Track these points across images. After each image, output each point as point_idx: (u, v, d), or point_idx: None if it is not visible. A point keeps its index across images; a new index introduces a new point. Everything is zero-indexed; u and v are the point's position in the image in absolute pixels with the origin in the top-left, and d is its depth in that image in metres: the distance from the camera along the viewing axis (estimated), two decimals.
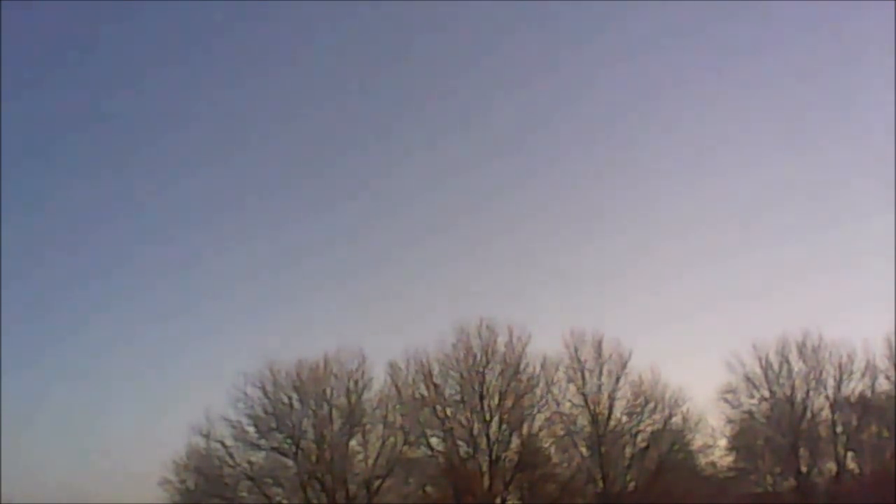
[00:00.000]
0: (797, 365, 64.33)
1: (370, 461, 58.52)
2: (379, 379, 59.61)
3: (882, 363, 64.23)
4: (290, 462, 58.01)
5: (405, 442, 58.69)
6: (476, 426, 58.66)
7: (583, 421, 60.47)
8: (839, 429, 64.03)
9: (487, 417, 58.62)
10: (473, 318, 59.75)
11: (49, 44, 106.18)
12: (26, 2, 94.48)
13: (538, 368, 59.93)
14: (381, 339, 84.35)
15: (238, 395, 57.76)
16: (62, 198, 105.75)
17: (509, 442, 59.34)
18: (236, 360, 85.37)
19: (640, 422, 60.56)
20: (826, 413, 64.26)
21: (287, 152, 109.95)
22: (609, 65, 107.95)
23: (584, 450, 60.72)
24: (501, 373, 59.32)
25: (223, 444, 57.82)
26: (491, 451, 58.29)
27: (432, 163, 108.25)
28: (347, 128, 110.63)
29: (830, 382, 64.01)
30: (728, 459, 65.32)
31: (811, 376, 64.09)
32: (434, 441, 59.66)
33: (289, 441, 57.71)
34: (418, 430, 58.89)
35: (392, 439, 58.54)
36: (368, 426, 58.65)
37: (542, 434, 60.89)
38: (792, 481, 63.97)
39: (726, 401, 64.66)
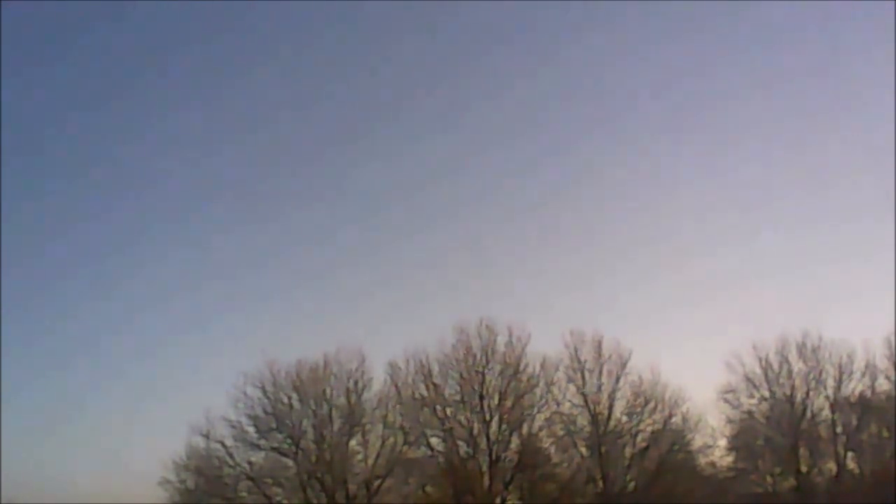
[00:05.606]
0: (797, 365, 64.27)
1: (370, 461, 58.50)
2: (379, 379, 59.69)
3: (882, 363, 64.16)
4: (290, 462, 58.01)
5: (405, 442, 58.64)
6: (476, 426, 58.61)
7: (583, 421, 60.44)
8: (839, 429, 63.88)
9: (487, 417, 58.55)
10: (473, 318, 59.81)
11: (47, 39, 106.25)
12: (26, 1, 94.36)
13: (538, 368, 59.93)
14: (381, 339, 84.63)
15: (238, 395, 57.83)
16: (60, 195, 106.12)
17: (509, 442, 59.26)
18: (236, 360, 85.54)
19: (640, 422, 60.51)
20: (826, 413, 64.13)
21: (288, 150, 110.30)
22: (609, 62, 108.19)
23: (584, 450, 60.69)
24: (501, 373, 59.28)
25: (223, 444, 57.79)
26: (491, 451, 58.22)
27: (433, 161, 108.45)
28: (349, 124, 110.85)
29: (830, 382, 63.93)
30: (728, 459, 65.21)
31: (811, 376, 64.00)
32: (434, 441, 59.69)
33: (289, 441, 57.70)
34: (418, 430, 58.87)
35: (392, 439, 58.51)
36: (368, 426, 58.65)
37: (542, 434, 60.83)
38: (792, 481, 63.86)
39: (726, 401, 64.61)
